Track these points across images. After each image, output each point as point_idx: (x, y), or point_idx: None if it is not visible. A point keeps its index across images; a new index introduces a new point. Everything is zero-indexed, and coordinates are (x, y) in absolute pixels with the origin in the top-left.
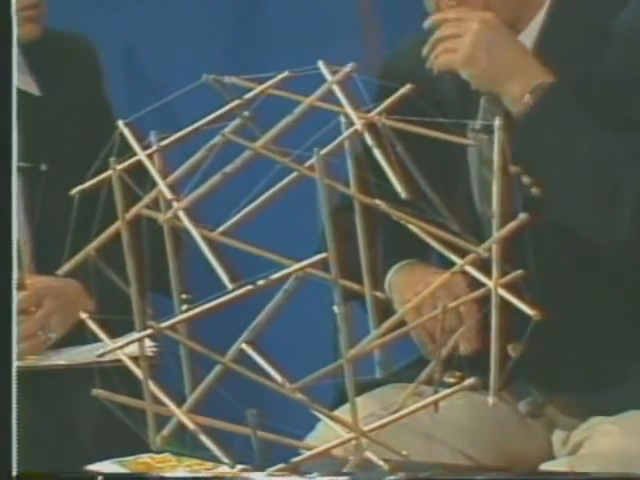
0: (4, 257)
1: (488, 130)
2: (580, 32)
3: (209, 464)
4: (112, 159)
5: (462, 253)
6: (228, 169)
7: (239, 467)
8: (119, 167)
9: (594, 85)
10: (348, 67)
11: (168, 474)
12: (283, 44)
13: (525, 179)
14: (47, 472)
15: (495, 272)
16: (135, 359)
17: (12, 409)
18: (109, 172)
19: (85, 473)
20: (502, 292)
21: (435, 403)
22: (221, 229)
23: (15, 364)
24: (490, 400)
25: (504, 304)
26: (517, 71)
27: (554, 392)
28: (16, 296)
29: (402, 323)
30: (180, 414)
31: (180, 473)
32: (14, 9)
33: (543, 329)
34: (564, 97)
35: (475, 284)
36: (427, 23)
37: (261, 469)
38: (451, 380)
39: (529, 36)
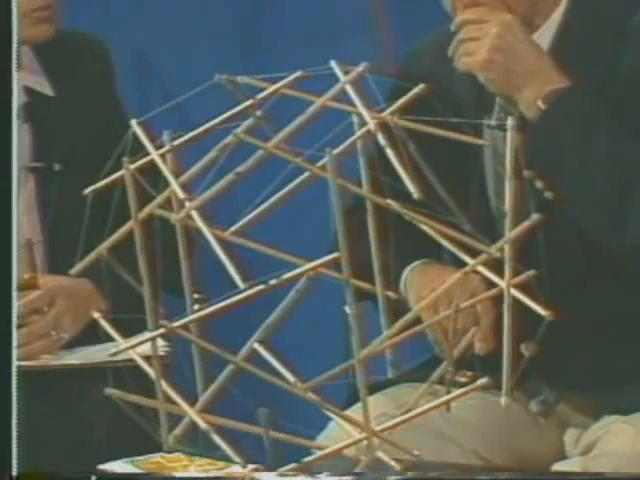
0: (5, 258)
1: (504, 127)
2: (598, 31)
3: (221, 464)
4: (125, 159)
5: (475, 253)
6: (240, 169)
7: (250, 467)
8: (132, 167)
9: (612, 85)
10: (361, 67)
11: (168, 474)
12: (295, 44)
13: (539, 183)
14: (47, 472)
15: (507, 272)
16: (148, 358)
17: (12, 409)
18: (122, 172)
19: (84, 473)
20: (514, 292)
21: (447, 403)
22: (233, 229)
23: (15, 364)
24: (503, 400)
25: (517, 304)
26: (533, 77)
27: (567, 391)
28: (25, 296)
29: (416, 321)
30: (192, 413)
31: (183, 473)
32: (15, 10)
33: (556, 328)
34: (579, 100)
35: (491, 282)
36: (452, 26)
37: (273, 469)
38: (463, 380)
39: (546, 34)
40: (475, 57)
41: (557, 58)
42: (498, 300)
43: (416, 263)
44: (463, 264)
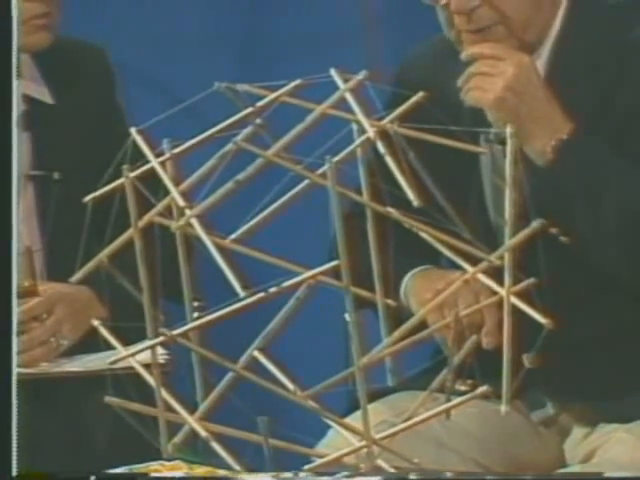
0: (5, 266)
1: (502, 140)
2: (595, 49)
3: (220, 472)
4: (125, 167)
5: (474, 261)
6: (240, 177)
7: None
8: (132, 174)
9: (610, 109)
10: (360, 75)
11: (161, 474)
12: (294, 52)
13: (553, 230)
14: (47, 472)
15: (507, 280)
16: (147, 366)
17: (12, 412)
18: (122, 179)
19: (84, 473)
20: (514, 300)
21: (447, 411)
22: (233, 237)
23: (16, 369)
24: (502, 409)
25: (518, 312)
26: (541, 123)
27: (567, 400)
28: (25, 303)
29: (416, 328)
30: (192, 421)
31: (182, 473)
32: (15, 16)
33: (557, 337)
34: (587, 146)
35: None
36: (464, 55)
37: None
38: (463, 388)
39: (542, 54)
40: (487, 94)
41: (553, 78)
42: (499, 307)
43: (416, 270)
44: (463, 271)
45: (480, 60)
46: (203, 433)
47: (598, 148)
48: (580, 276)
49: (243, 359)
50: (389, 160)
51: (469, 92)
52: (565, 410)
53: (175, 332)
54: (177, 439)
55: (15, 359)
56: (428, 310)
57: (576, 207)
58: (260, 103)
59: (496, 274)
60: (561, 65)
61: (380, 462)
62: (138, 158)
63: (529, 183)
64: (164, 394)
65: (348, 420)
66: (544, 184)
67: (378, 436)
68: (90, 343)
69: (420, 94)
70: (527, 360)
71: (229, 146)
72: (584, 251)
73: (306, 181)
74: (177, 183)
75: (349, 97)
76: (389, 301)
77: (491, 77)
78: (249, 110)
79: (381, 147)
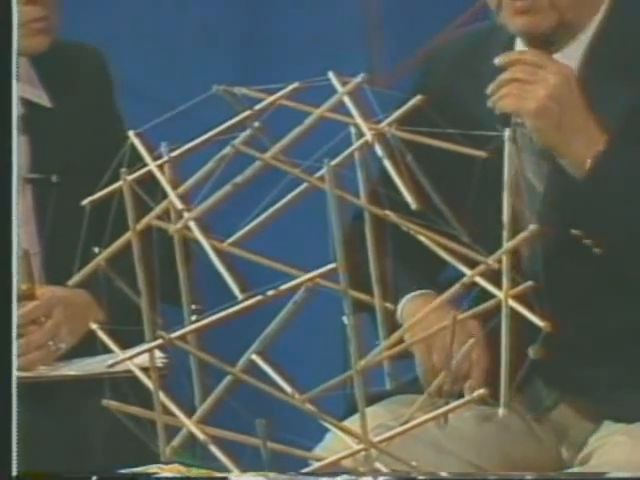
0: (5, 269)
1: (516, 140)
2: (628, 58)
3: (218, 475)
4: (123, 170)
5: (473, 264)
6: (238, 180)
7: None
8: (130, 178)
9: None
10: (359, 78)
11: (159, 474)
12: (293, 55)
13: (586, 241)
14: (47, 472)
15: (505, 283)
16: (145, 370)
17: (12, 412)
18: (120, 183)
19: (84, 474)
20: (512, 303)
21: (444, 414)
22: (231, 240)
23: (15, 371)
24: (500, 412)
25: (516, 315)
26: (580, 135)
27: (566, 402)
28: (23, 306)
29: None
30: (190, 425)
31: (183, 474)
32: (15, 21)
33: (558, 338)
34: (625, 158)
35: (486, 321)
36: (499, 60)
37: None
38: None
39: (571, 55)
40: (527, 102)
41: (584, 77)
42: (496, 310)
43: (413, 294)
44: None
45: (517, 66)
46: (201, 436)
47: (634, 158)
48: (581, 277)
49: (241, 362)
50: (387, 163)
51: (503, 99)
52: (563, 412)
53: (173, 335)
54: (175, 442)
55: (15, 362)
56: (415, 341)
57: (611, 219)
58: (258, 106)
59: (494, 277)
60: (594, 64)
61: (378, 465)
62: (136, 161)
63: (565, 195)
64: (162, 397)
65: (346, 423)
66: (582, 196)
67: (376, 439)
68: (88, 347)
69: (418, 97)
70: (531, 352)
71: (227, 149)
72: (614, 263)
73: (304, 184)
74: (175, 186)
75: (347, 100)
76: (387, 304)
77: (530, 85)
78: (247, 113)
79: (379, 150)
